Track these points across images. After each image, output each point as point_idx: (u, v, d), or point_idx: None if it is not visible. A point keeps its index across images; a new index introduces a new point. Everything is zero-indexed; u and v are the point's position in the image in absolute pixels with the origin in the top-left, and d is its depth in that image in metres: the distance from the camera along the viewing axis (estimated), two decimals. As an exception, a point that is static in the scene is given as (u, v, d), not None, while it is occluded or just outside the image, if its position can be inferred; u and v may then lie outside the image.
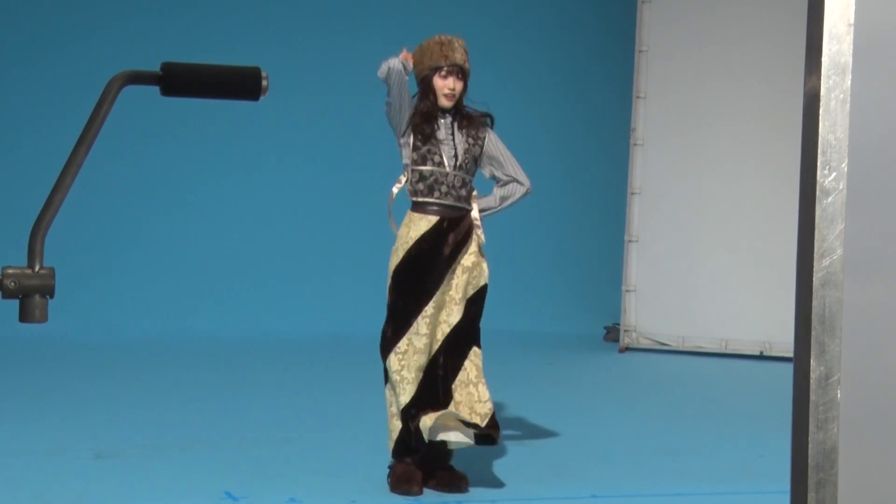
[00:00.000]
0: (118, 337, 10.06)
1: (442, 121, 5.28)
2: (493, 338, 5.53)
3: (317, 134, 11.56)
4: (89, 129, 1.87)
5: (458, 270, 5.23)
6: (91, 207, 10.49)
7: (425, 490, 5.32)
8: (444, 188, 5.23)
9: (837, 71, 2.00)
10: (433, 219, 5.22)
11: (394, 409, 5.24)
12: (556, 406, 7.72)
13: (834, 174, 2.01)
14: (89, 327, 10.07)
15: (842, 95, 2.00)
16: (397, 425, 5.22)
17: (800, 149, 2.08)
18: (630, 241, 10.73)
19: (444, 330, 5.20)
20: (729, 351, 10.42)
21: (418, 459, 5.26)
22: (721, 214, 10.46)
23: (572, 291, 12.08)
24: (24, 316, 1.84)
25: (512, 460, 5.92)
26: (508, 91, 11.66)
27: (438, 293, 5.18)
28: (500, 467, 5.78)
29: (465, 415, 5.14)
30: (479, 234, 5.32)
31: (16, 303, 1.84)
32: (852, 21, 2.00)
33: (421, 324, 5.14)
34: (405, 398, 5.13)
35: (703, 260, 10.52)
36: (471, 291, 5.26)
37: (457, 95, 5.25)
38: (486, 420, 5.19)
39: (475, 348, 5.26)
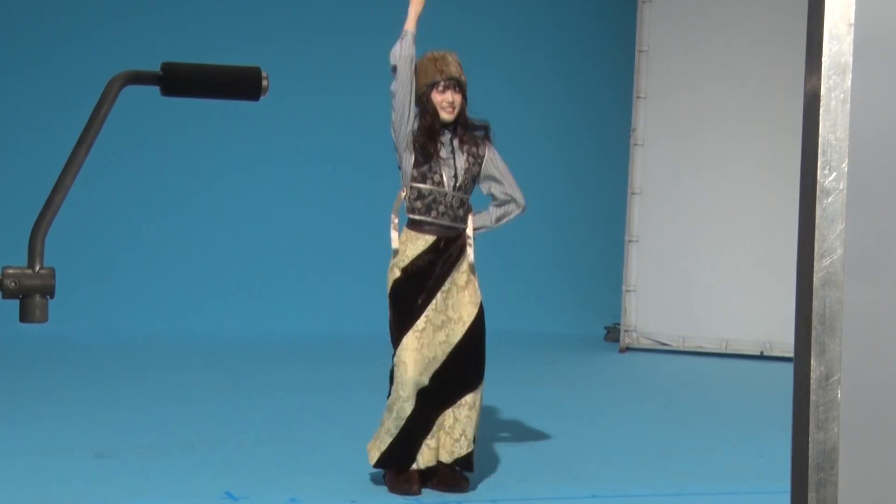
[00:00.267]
0: (118, 337, 10.06)
1: (443, 139, 5.28)
2: (494, 338, 5.52)
3: (317, 134, 11.56)
4: (89, 129, 1.87)
5: (454, 290, 5.26)
6: (91, 207, 10.49)
7: (425, 490, 5.33)
8: (441, 208, 5.25)
9: (838, 71, 2.00)
10: (430, 238, 5.25)
11: (388, 425, 5.25)
12: (556, 406, 7.72)
13: (834, 174, 2.01)
14: (89, 327, 10.07)
15: (842, 95, 2.00)
16: (386, 440, 5.25)
17: (800, 149, 2.08)
18: (630, 241, 10.73)
19: (445, 350, 5.23)
20: (729, 351, 10.42)
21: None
22: (721, 214, 10.45)
23: (572, 291, 12.08)
24: (25, 316, 1.84)
25: (512, 460, 5.92)
26: (509, 91, 11.67)
27: (431, 310, 5.20)
28: (500, 467, 5.78)
29: (456, 436, 5.25)
30: (469, 252, 5.33)
31: (16, 303, 1.84)
32: (852, 21, 2.00)
33: (411, 339, 5.17)
34: (403, 415, 5.18)
35: (703, 260, 10.51)
36: (474, 311, 5.28)
37: (456, 108, 5.25)
38: (470, 448, 5.30)
39: (479, 385, 5.29)
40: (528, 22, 12.30)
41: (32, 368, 8.68)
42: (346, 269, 11.37)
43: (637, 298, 10.69)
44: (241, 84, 2.00)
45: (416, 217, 5.27)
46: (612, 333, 11.13)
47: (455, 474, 5.34)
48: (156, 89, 1.97)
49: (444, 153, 5.26)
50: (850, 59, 2.00)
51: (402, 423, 5.20)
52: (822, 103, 2.00)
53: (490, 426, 6.41)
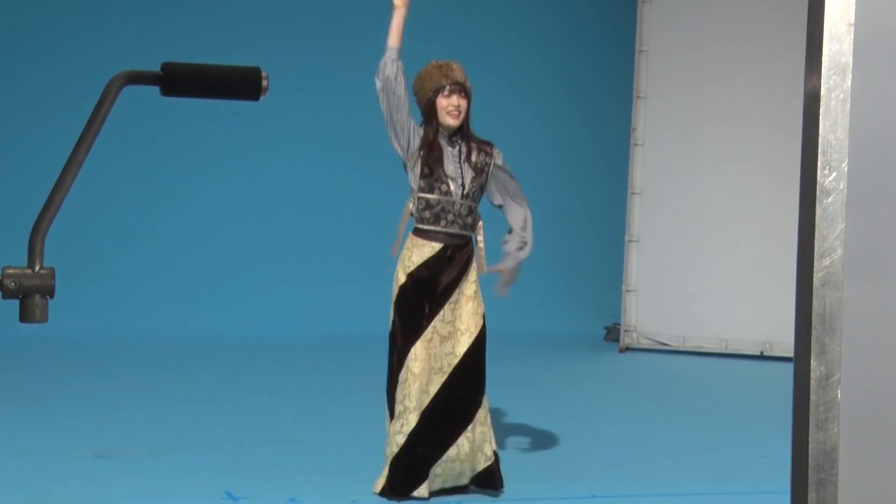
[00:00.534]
0: (118, 337, 10.06)
1: (449, 148, 5.25)
2: (494, 338, 5.52)
3: (317, 134, 11.55)
4: (89, 129, 1.87)
5: (462, 300, 5.23)
6: (91, 207, 10.49)
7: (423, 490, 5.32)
8: (450, 217, 5.22)
9: (838, 71, 2.00)
10: (437, 245, 5.21)
11: (392, 447, 5.17)
12: (556, 406, 7.72)
13: (834, 174, 2.01)
14: (89, 327, 10.07)
15: (842, 95, 2.00)
16: (399, 442, 5.15)
17: (800, 149, 2.08)
18: (630, 241, 10.73)
19: (451, 362, 5.18)
20: (729, 351, 10.42)
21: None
22: (721, 214, 10.45)
23: (572, 291, 12.08)
24: (25, 316, 1.84)
25: (512, 460, 5.92)
26: (509, 91, 11.67)
27: (439, 320, 5.16)
28: (500, 467, 5.78)
29: (473, 457, 5.21)
30: (481, 264, 5.31)
31: (16, 303, 1.84)
32: (852, 21, 2.00)
33: (419, 348, 5.12)
34: (408, 428, 5.09)
35: (703, 260, 10.51)
36: (480, 322, 5.25)
37: (462, 113, 5.23)
38: (492, 460, 5.25)
39: (483, 398, 5.27)
40: (528, 22, 12.30)
41: (32, 368, 8.68)
42: (346, 269, 11.37)
43: (637, 298, 10.68)
44: (241, 84, 2.00)
45: (425, 227, 5.24)
46: (612, 333, 11.13)
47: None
48: (156, 89, 1.97)
49: (450, 162, 5.23)
50: (850, 59, 2.00)
51: (405, 438, 5.09)
52: (822, 103, 2.00)
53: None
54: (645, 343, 10.68)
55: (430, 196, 5.22)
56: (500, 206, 5.42)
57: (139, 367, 8.92)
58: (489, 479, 5.26)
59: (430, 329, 5.14)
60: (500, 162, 5.34)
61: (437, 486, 5.19)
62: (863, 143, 2.01)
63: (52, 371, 8.62)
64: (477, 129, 5.41)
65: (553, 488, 5.47)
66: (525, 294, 12.21)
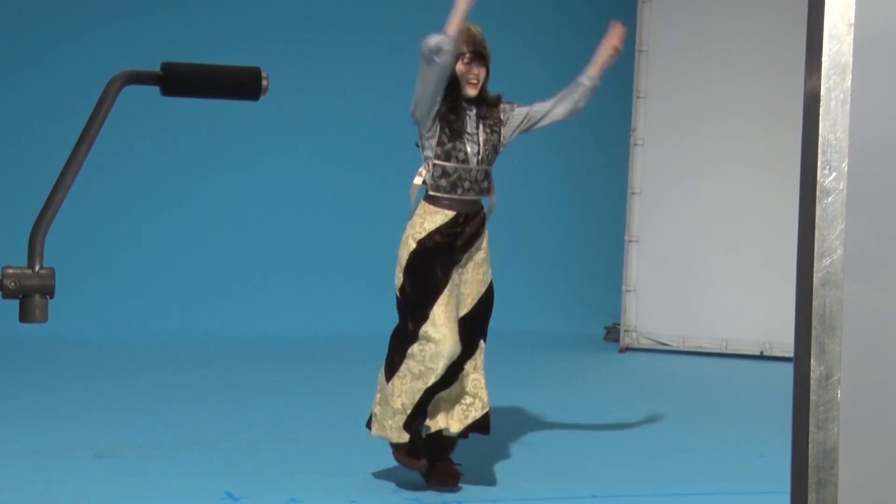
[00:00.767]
0: (118, 337, 10.06)
1: (467, 114, 5.22)
2: (493, 337, 5.52)
3: (317, 134, 11.55)
4: (89, 128, 1.87)
5: (470, 266, 5.22)
6: (91, 207, 10.48)
7: (424, 490, 5.33)
8: (466, 184, 5.18)
9: (838, 71, 2.00)
10: (450, 213, 5.17)
11: (403, 400, 5.16)
12: (556, 406, 7.72)
13: (834, 174, 2.01)
14: (89, 327, 10.07)
15: (842, 95, 2.00)
16: (400, 418, 5.18)
17: (800, 149, 2.08)
18: (630, 241, 10.73)
19: (456, 325, 5.22)
20: (729, 351, 10.41)
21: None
22: (721, 214, 10.45)
23: (572, 291, 12.07)
24: (24, 316, 1.84)
25: (512, 460, 5.92)
26: (507, 91, 11.64)
27: (451, 284, 5.15)
28: (500, 467, 5.78)
29: (467, 402, 5.26)
30: (491, 201, 5.31)
31: (16, 303, 1.84)
32: (852, 21, 2.00)
33: (440, 311, 5.08)
34: (422, 385, 5.09)
35: (703, 260, 10.51)
36: (482, 289, 5.27)
37: (480, 82, 5.21)
38: (486, 409, 5.29)
39: (482, 341, 5.31)
40: (527, 21, 12.29)
41: (32, 368, 8.68)
42: (346, 269, 11.37)
43: (637, 298, 10.68)
44: (241, 84, 2.00)
45: (440, 195, 5.18)
46: (612, 333, 11.12)
47: (450, 469, 5.33)
48: (156, 89, 1.97)
49: (468, 128, 5.20)
50: (850, 59, 2.00)
51: (419, 395, 5.11)
52: (822, 103, 2.00)
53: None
54: (645, 343, 10.67)
55: (446, 164, 5.16)
56: (561, 113, 5.48)
57: (139, 367, 8.92)
58: (485, 425, 5.32)
59: (445, 292, 5.12)
60: (517, 112, 5.32)
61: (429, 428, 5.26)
62: (863, 143, 2.01)
63: (52, 371, 8.62)
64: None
65: (553, 488, 5.47)
66: (525, 294, 12.23)
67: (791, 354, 2.14)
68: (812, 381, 2.00)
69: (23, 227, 2.16)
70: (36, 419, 6.75)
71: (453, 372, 5.17)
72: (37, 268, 1.83)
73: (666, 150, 10.58)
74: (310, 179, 11.51)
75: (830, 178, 2.00)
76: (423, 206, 5.22)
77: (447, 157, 5.16)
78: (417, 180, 5.26)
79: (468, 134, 5.18)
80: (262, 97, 2.01)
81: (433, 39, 5.02)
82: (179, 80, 1.96)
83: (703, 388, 9.07)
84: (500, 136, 5.27)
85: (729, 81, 10.42)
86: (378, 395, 5.34)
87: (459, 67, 5.16)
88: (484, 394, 5.28)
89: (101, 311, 10.53)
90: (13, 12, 10.96)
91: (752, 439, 6.70)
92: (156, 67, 1.97)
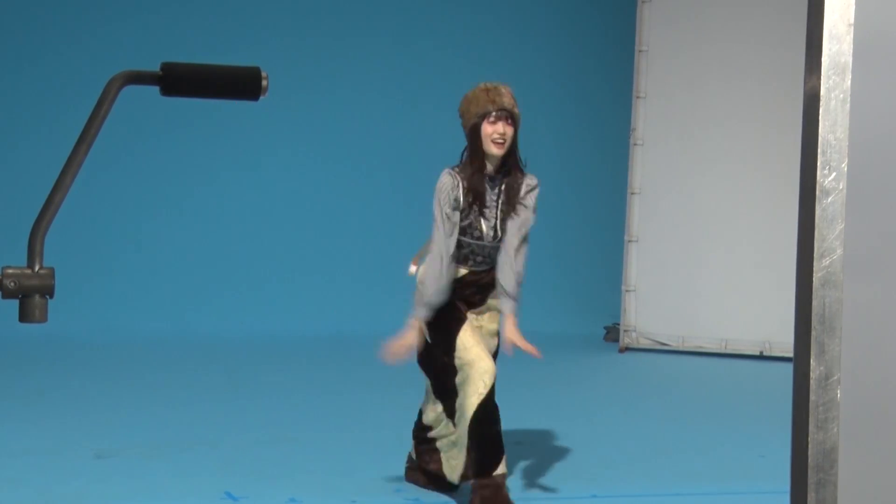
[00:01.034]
0: (118, 337, 10.06)
1: (489, 190, 5.01)
2: (493, 338, 5.51)
3: (317, 133, 11.56)
4: (89, 128, 1.87)
5: (486, 317, 5.17)
6: (91, 207, 10.49)
7: (424, 490, 5.33)
8: (479, 258, 5.07)
9: (837, 71, 2.00)
10: (463, 270, 5.08)
11: (460, 432, 5.05)
12: (556, 406, 7.72)
13: (834, 174, 2.01)
14: (89, 327, 10.07)
15: (842, 95, 2.00)
16: (461, 453, 5.07)
17: (800, 149, 2.08)
18: (630, 241, 10.73)
19: (490, 344, 5.18)
20: (729, 351, 10.42)
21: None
22: (721, 214, 10.46)
23: (572, 291, 12.08)
24: (24, 316, 1.84)
25: (511, 460, 5.92)
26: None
27: (472, 314, 5.10)
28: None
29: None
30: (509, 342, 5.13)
31: (16, 303, 1.84)
32: (852, 21, 2.00)
33: (467, 335, 5.02)
34: (474, 406, 4.95)
35: (703, 260, 10.51)
36: (493, 343, 5.20)
37: (507, 142, 4.96)
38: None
39: None
40: (528, 22, 12.30)
41: (32, 368, 8.68)
42: (346, 268, 11.37)
43: (637, 298, 10.68)
44: (241, 84, 2.00)
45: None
46: (612, 333, 11.12)
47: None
48: (156, 89, 1.97)
49: (487, 206, 5.01)
50: (850, 59, 2.00)
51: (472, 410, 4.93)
52: (822, 103, 2.00)
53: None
54: (644, 343, 10.68)
55: (461, 238, 5.01)
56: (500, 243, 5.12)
57: (139, 367, 8.92)
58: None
59: (470, 318, 5.06)
60: (530, 203, 5.08)
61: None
62: (862, 143, 2.01)
63: (52, 371, 8.62)
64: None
65: (553, 488, 5.47)
66: (525, 294, 12.22)
67: (791, 354, 2.14)
68: (812, 381, 2.00)
69: (22, 226, 2.16)
70: (35, 419, 6.75)
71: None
72: (36, 268, 1.83)
73: (666, 150, 10.59)
74: (310, 179, 11.52)
75: (830, 178, 2.00)
76: None
77: (462, 233, 5.01)
78: (412, 269, 5.20)
79: (486, 210, 5.00)
80: (262, 97, 2.01)
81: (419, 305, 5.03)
82: (179, 80, 1.96)
83: (702, 388, 9.07)
84: (515, 212, 5.05)
85: (728, 82, 10.43)
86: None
87: (485, 127, 4.94)
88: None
89: (101, 311, 10.53)
90: (13, 12, 10.96)
91: (752, 439, 6.70)
92: (156, 67, 1.97)
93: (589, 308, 11.79)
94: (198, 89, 1.99)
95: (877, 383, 2.03)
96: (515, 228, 5.04)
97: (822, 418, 1.99)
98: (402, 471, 5.52)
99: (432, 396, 5.24)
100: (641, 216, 10.65)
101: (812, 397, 2.00)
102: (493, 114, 4.94)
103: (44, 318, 1.84)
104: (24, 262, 1.85)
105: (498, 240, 5.04)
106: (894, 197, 2.04)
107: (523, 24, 12.27)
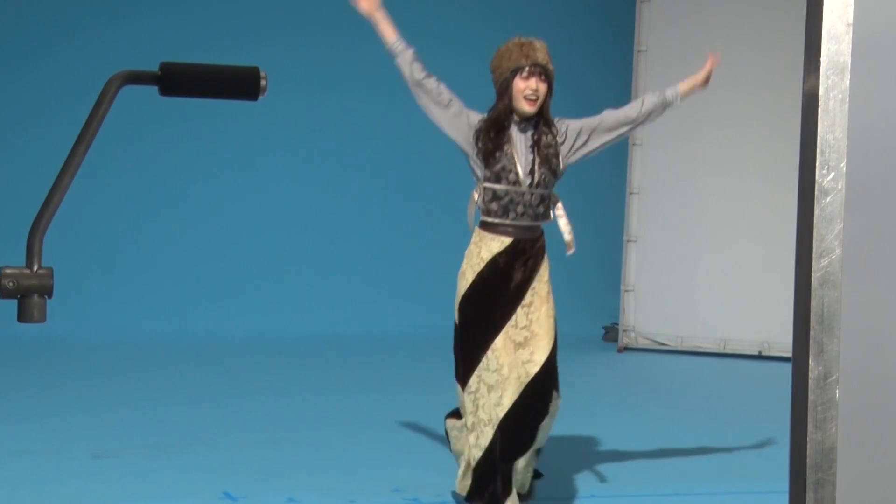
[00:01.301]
0: (117, 337, 10.06)
1: (519, 133, 4.72)
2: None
3: (316, 133, 11.55)
4: (88, 128, 1.87)
5: (536, 302, 4.75)
6: (90, 207, 10.49)
7: (422, 490, 5.32)
8: (520, 208, 4.71)
9: (836, 70, 2.00)
10: (506, 240, 4.71)
11: (470, 461, 4.67)
12: (555, 406, 7.71)
13: (833, 174, 2.01)
14: (88, 327, 10.07)
15: (840, 95, 2.00)
16: (476, 456, 4.63)
17: (799, 148, 2.08)
18: (629, 241, 10.73)
19: (529, 370, 4.66)
20: (727, 351, 10.42)
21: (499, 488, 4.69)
22: (720, 214, 10.46)
23: (571, 291, 12.06)
24: (23, 316, 1.84)
25: (511, 460, 5.91)
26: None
27: (511, 326, 4.66)
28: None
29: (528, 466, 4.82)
30: (568, 240, 5.00)
31: (14, 302, 1.84)
32: (851, 21, 2.00)
33: (491, 358, 4.59)
34: (484, 441, 4.60)
35: (701, 260, 10.52)
36: (553, 325, 4.82)
37: (540, 98, 4.71)
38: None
39: (555, 391, 4.85)
40: (526, 21, 12.29)
41: (31, 368, 8.68)
42: (346, 268, 11.36)
43: (635, 298, 10.68)
44: (240, 84, 2.00)
45: (492, 220, 4.70)
46: (611, 333, 11.12)
47: None
48: (154, 89, 1.97)
49: (518, 147, 4.69)
50: (849, 59, 2.00)
51: (482, 451, 4.59)
52: (821, 103, 2.00)
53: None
54: (643, 343, 10.68)
55: (497, 186, 4.68)
56: (628, 120, 5.22)
57: (137, 367, 8.91)
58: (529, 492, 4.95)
59: (500, 337, 4.61)
60: (571, 127, 4.88)
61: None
62: (861, 142, 2.01)
63: (50, 371, 8.61)
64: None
65: (552, 488, 5.47)
66: (524, 294, 12.24)
67: (789, 354, 2.14)
68: (810, 381, 2.00)
69: (21, 226, 2.16)
70: (34, 419, 6.75)
71: (524, 441, 4.67)
72: (35, 267, 1.83)
73: (664, 150, 10.59)
74: (309, 179, 11.52)
75: (829, 177, 2.00)
76: (478, 234, 4.74)
77: (497, 179, 4.68)
78: (471, 202, 4.79)
79: (517, 153, 4.69)
80: (260, 97, 2.01)
81: (398, 69, 4.81)
82: (178, 80, 1.96)
83: (701, 387, 9.07)
84: (558, 157, 4.80)
85: (728, 81, 10.41)
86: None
87: (517, 82, 4.69)
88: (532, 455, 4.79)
89: (100, 311, 10.53)
90: (12, 12, 10.96)
91: (751, 439, 6.71)
92: (154, 67, 1.97)
93: (588, 308, 11.79)
94: (196, 89, 1.99)
95: (875, 383, 2.03)
96: (589, 123, 5.00)
97: (821, 418, 1.99)
98: (400, 471, 5.51)
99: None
100: (640, 216, 10.65)
101: (811, 397, 2.00)
102: (527, 69, 4.71)
103: (42, 318, 1.84)
104: (22, 261, 1.85)
105: (535, 186, 4.71)
106: (893, 197, 2.04)
107: (521, 23, 12.24)
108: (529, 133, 4.73)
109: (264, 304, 11.07)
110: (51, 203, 1.84)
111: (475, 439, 4.61)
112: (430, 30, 11.68)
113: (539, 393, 4.67)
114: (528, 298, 4.73)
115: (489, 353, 4.59)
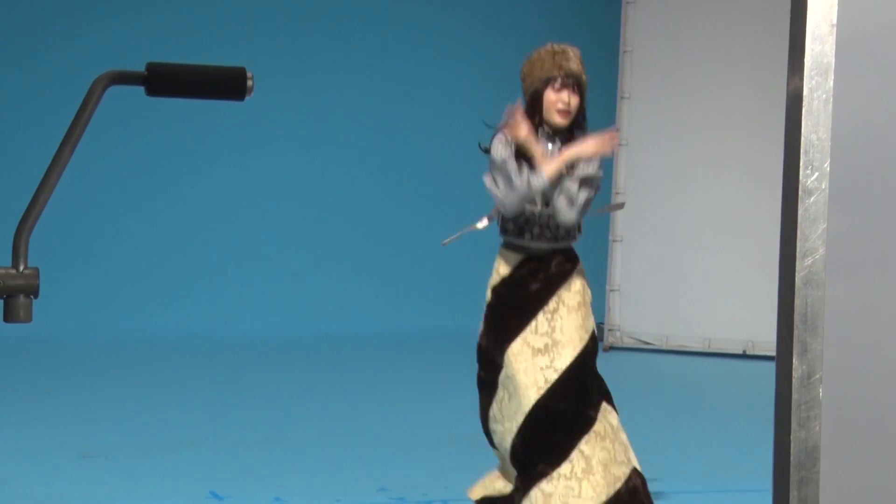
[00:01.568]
0: (104, 337, 10.03)
1: (547, 146, 4.48)
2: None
3: (310, 132, 11.54)
4: (74, 128, 1.87)
5: (562, 310, 4.50)
6: (77, 207, 10.46)
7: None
8: (536, 230, 4.50)
9: (820, 71, 2.02)
10: (522, 256, 4.52)
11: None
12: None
13: (816, 174, 2.02)
14: (75, 327, 10.04)
15: (824, 96, 2.01)
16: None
17: (783, 149, 2.09)
18: (614, 241, 10.75)
19: (549, 376, 4.42)
20: (712, 350, 10.44)
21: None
22: (705, 214, 10.48)
23: (557, 291, 12.08)
24: (9, 316, 1.84)
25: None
26: (493, 90, 11.66)
27: (530, 332, 4.45)
28: (487, 467, 5.78)
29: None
30: (479, 225, 4.65)
31: (0, 303, 1.84)
32: (835, 21, 2.01)
33: (510, 361, 4.45)
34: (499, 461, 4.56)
35: (686, 259, 10.54)
36: (585, 336, 4.60)
37: (572, 111, 4.48)
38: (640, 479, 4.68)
39: (605, 403, 4.66)
40: (512, 22, 12.30)
41: (17, 369, 8.66)
42: (344, 268, 11.35)
43: (621, 298, 10.70)
44: (226, 84, 2.01)
45: (509, 239, 4.53)
46: (596, 332, 11.13)
47: None
48: (141, 89, 1.97)
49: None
50: (833, 60, 2.02)
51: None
52: (805, 103, 2.01)
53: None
54: (629, 342, 10.69)
55: None
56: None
57: (125, 367, 8.90)
58: None
59: (517, 342, 4.43)
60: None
61: None
62: (845, 143, 2.02)
63: (37, 371, 8.59)
64: (465, 131, 5.28)
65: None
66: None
67: (774, 353, 2.15)
68: (794, 380, 2.01)
69: (7, 227, 2.16)
70: (20, 419, 6.74)
71: (543, 429, 4.45)
72: (21, 268, 1.83)
73: (650, 151, 10.61)
74: (304, 178, 11.51)
75: (813, 177, 2.01)
76: (500, 251, 4.58)
77: None
78: (479, 224, 4.63)
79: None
80: (247, 97, 2.01)
81: (533, 182, 4.38)
82: (164, 81, 1.97)
83: (686, 386, 9.09)
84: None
85: (713, 82, 10.45)
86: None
87: (548, 94, 4.45)
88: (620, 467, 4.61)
89: (87, 311, 10.51)
90: (-3, 11, 10.93)
91: (735, 437, 6.72)
92: (141, 67, 1.97)
93: (573, 307, 11.79)
94: (183, 89, 2.00)
95: (859, 382, 2.04)
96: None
97: (805, 417, 2.00)
98: (386, 470, 5.52)
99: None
100: (626, 216, 10.67)
101: (794, 396, 2.01)
102: (559, 80, 4.46)
103: (28, 318, 1.85)
104: (8, 262, 1.85)
105: (549, 205, 4.48)
106: (876, 197, 2.05)
107: (508, 25, 12.27)
108: (557, 147, 4.49)
109: (250, 305, 11.06)
110: (37, 203, 1.84)
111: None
112: (418, 31, 11.69)
113: (563, 399, 4.44)
114: (551, 304, 4.50)
115: (507, 356, 4.44)
